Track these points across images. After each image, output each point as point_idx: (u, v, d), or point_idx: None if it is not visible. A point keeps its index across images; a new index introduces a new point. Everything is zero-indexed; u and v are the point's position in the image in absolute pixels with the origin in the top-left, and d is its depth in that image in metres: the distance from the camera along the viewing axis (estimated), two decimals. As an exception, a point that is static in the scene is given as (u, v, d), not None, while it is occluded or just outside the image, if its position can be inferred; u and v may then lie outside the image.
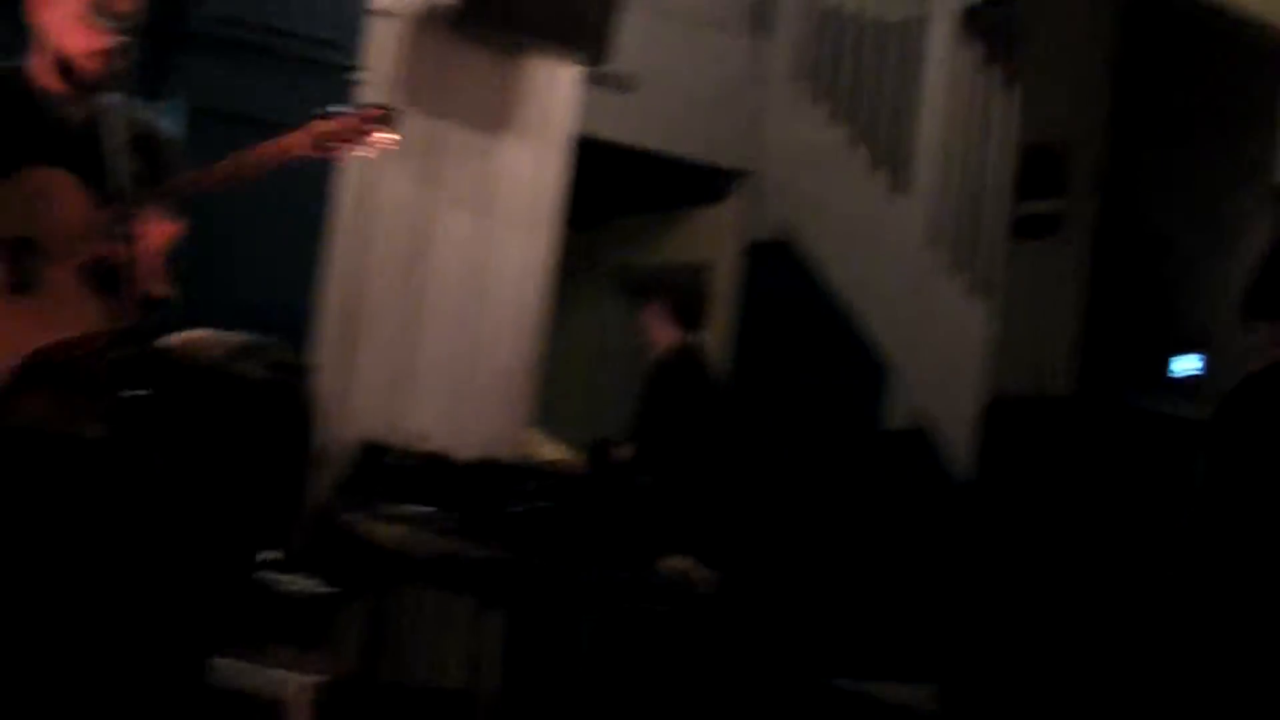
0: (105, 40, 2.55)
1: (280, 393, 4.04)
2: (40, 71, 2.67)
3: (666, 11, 6.78)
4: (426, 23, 5.50)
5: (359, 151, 2.74)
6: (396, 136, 2.75)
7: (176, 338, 4.17)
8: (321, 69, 5.01)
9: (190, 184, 2.60)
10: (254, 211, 4.69)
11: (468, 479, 4.72)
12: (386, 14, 5.35)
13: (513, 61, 5.68)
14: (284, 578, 3.93)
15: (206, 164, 2.62)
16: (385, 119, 2.73)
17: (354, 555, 4.61)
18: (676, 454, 4.80)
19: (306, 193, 4.89)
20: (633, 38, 5.96)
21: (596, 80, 6.05)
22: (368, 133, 2.72)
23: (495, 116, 5.70)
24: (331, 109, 2.71)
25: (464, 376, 5.60)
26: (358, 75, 5.07)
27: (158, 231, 2.53)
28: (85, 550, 2.57)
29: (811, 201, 6.93)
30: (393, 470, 5.01)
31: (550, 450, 5.09)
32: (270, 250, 4.91)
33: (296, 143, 2.67)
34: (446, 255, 5.58)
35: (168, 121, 2.86)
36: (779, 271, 6.97)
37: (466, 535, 4.37)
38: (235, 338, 4.25)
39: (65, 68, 2.62)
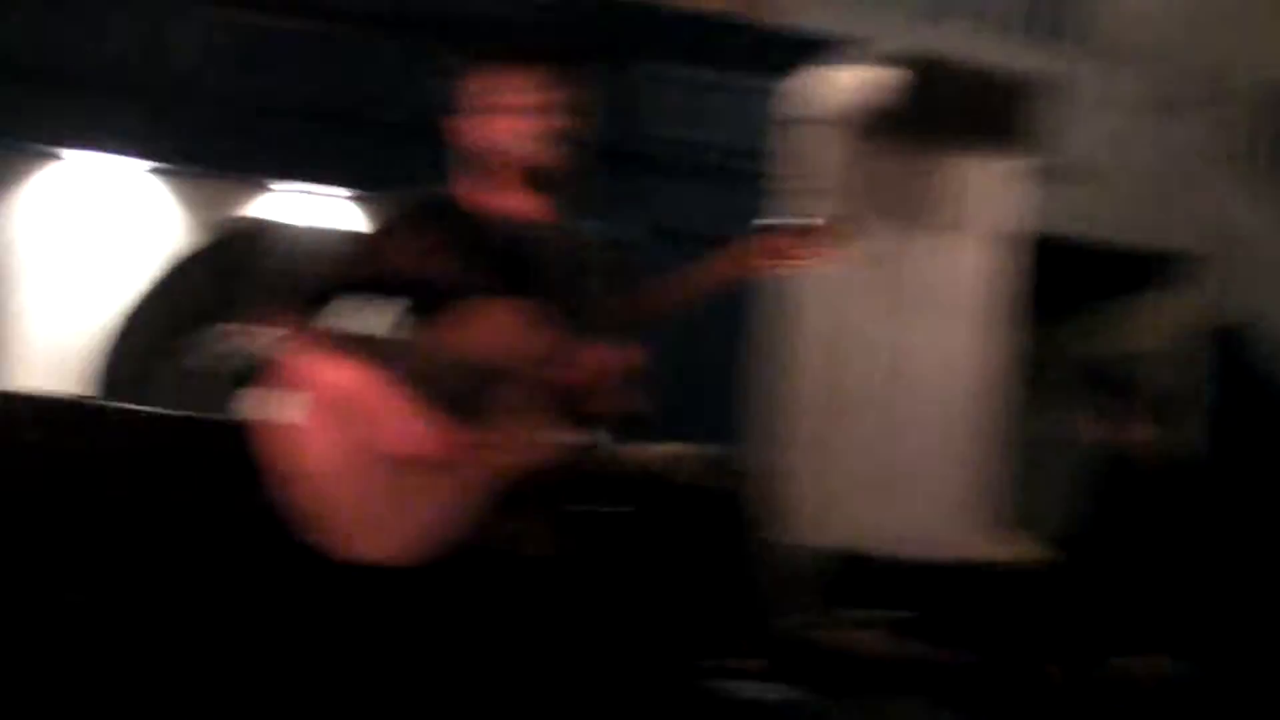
0: (554, 156, 2.57)
1: (732, 500, 4.06)
2: (481, 197, 2.68)
3: (1114, 99, 6.55)
4: (855, 129, 5.53)
5: (805, 266, 2.58)
6: (833, 253, 2.56)
7: (627, 451, 4.25)
8: (748, 181, 5.09)
9: (631, 312, 2.59)
10: (688, 320, 4.78)
11: (918, 579, 4.57)
12: (812, 122, 5.41)
13: (929, 164, 5.66)
14: (757, 687, 3.87)
15: (652, 286, 2.58)
16: (831, 232, 2.57)
17: (821, 664, 4.51)
18: (1146, 545, 4.50)
19: (738, 292, 4.95)
20: (1082, 128, 5.80)
21: (1047, 175, 5.89)
22: (818, 249, 2.56)
23: (932, 218, 5.68)
24: (772, 223, 2.57)
25: (918, 475, 5.53)
26: (786, 186, 5.15)
27: (611, 357, 2.52)
28: (539, 675, 2.60)
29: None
30: (855, 575, 4.94)
31: (1016, 549, 4.88)
32: (706, 354, 5.00)
33: (740, 264, 2.56)
34: (882, 354, 5.58)
35: (618, 243, 2.84)
36: (1247, 356, 6.51)
37: (937, 639, 4.30)
38: (682, 449, 4.31)
39: (516, 173, 2.61)
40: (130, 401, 4.06)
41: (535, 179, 2.60)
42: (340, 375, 2.54)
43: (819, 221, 2.57)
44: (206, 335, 4.73)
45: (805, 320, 5.41)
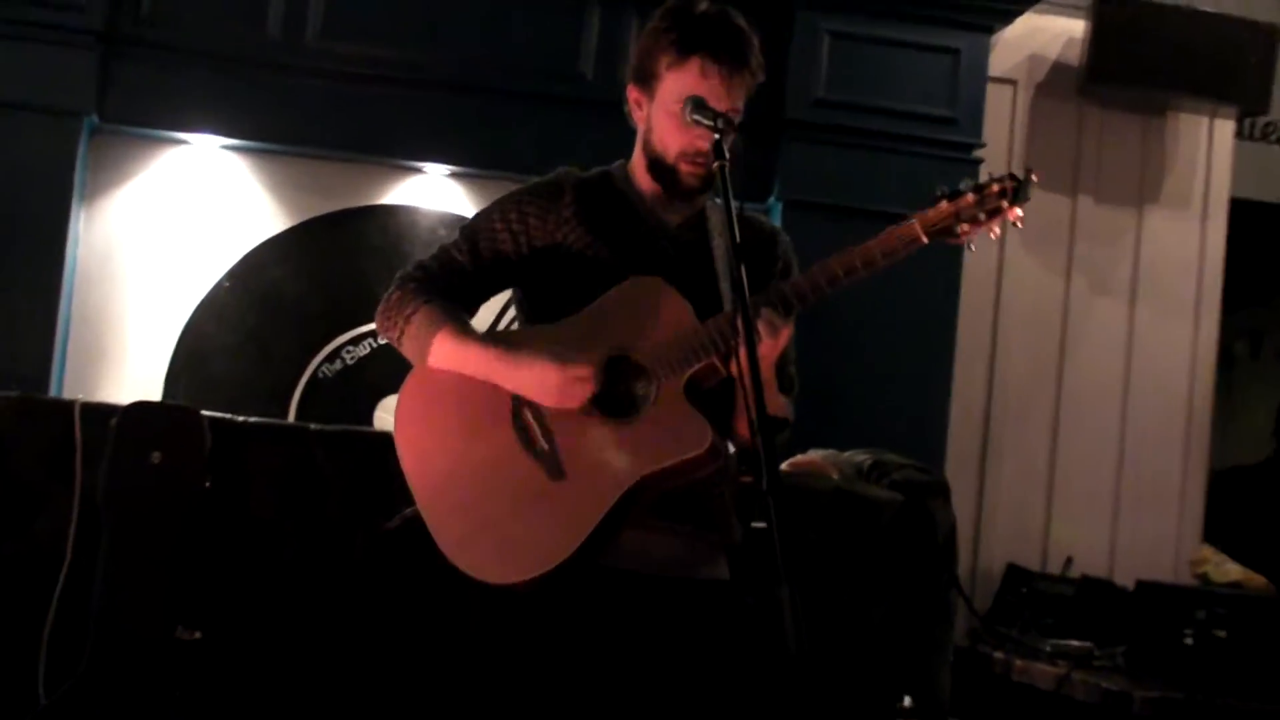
0: (703, 140, 2.45)
1: (911, 515, 3.86)
2: (637, 173, 2.63)
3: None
4: (1051, 88, 5.31)
5: (987, 231, 2.45)
6: (1019, 212, 2.44)
7: (792, 461, 4.12)
8: (932, 149, 4.87)
9: (798, 291, 2.42)
10: (871, 314, 4.60)
11: (1130, 606, 4.31)
12: (1005, 82, 5.21)
13: (1153, 121, 5.38)
14: None
15: (815, 265, 2.43)
16: (1015, 190, 2.43)
17: (1002, 697, 4.34)
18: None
19: (930, 289, 4.73)
20: None
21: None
22: (995, 209, 2.42)
23: (1138, 186, 5.38)
24: (952, 187, 2.44)
25: (1117, 487, 5.30)
26: (975, 155, 4.86)
27: (769, 343, 2.36)
28: (709, 708, 2.43)
29: None
30: (1041, 598, 4.70)
31: (1229, 570, 4.58)
32: (892, 355, 4.79)
33: (914, 231, 2.41)
34: (1090, 349, 5.32)
35: (775, 222, 2.71)
36: None
37: (1132, 672, 4.07)
38: (858, 456, 4.16)
39: (661, 170, 2.55)
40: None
41: (673, 187, 2.56)
42: (459, 366, 2.48)
43: (1003, 179, 2.43)
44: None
45: (1008, 310, 5.24)
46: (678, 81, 2.50)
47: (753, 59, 2.54)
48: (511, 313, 2.98)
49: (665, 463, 2.36)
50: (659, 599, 2.44)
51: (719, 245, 2.56)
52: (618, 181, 2.63)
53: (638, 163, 2.62)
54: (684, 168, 2.51)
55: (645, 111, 2.58)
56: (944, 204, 2.41)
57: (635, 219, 2.59)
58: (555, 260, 2.55)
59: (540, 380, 2.40)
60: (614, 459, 2.38)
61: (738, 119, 2.49)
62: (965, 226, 2.42)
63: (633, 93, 2.60)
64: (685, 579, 2.48)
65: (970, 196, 2.41)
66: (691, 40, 2.50)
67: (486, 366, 2.45)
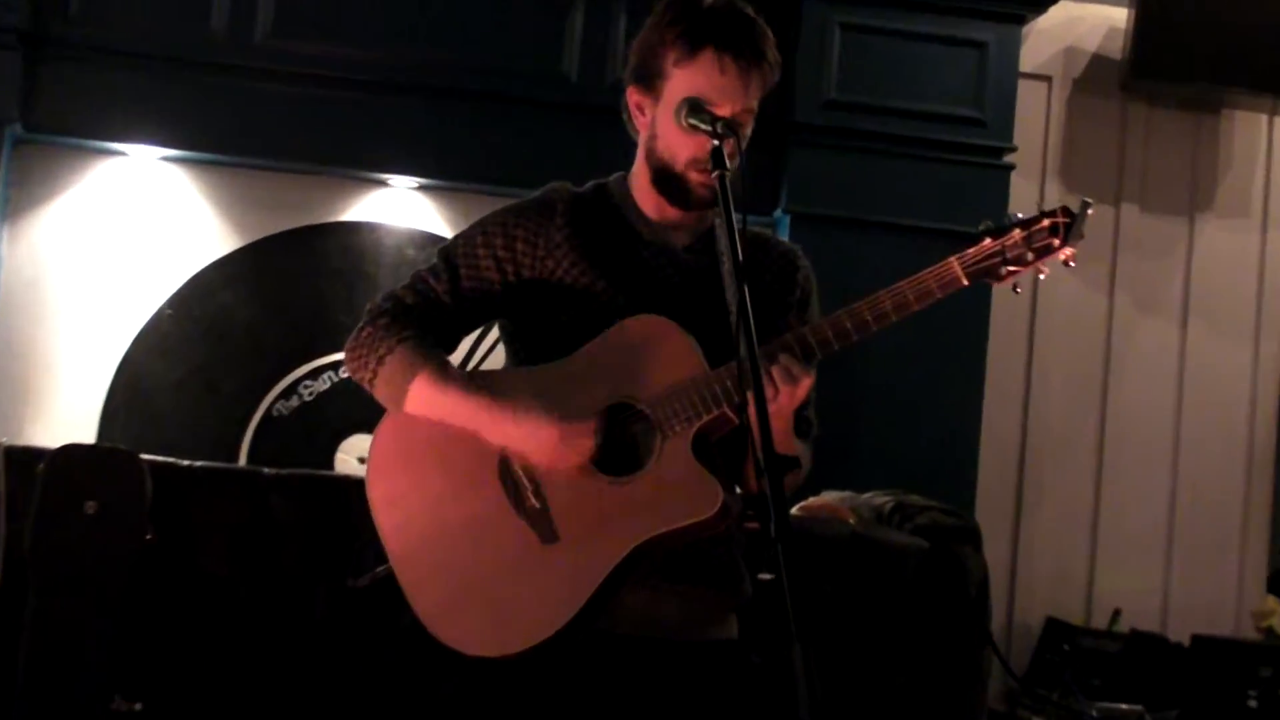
0: (704, 147, 2.44)
1: (938, 563, 3.87)
2: (637, 188, 2.61)
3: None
4: (1090, 84, 5.34)
5: (1034, 272, 2.43)
6: (1071, 252, 2.41)
7: (804, 505, 4.13)
8: (957, 155, 4.90)
9: (821, 338, 2.40)
10: (892, 338, 4.59)
11: (1186, 664, 4.32)
12: (1039, 78, 5.24)
13: (1203, 122, 5.40)
14: None
15: (842, 310, 2.43)
16: (1068, 226, 2.40)
17: None
18: None
19: (957, 309, 4.71)
20: None
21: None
22: (1045, 247, 2.40)
23: (1189, 193, 5.41)
24: (996, 222, 2.42)
25: (1169, 530, 5.30)
26: (1005, 160, 4.88)
27: (787, 391, 2.34)
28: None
29: None
30: (1086, 655, 4.69)
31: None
32: (915, 383, 4.81)
33: (953, 271, 2.39)
34: (1137, 376, 5.33)
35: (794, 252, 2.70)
36: None
37: None
38: (878, 498, 4.17)
39: (668, 181, 2.53)
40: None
41: (681, 198, 2.53)
42: (440, 414, 2.46)
43: (1055, 214, 2.40)
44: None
45: (1045, 333, 5.25)
46: (687, 79, 2.47)
47: (769, 52, 2.51)
48: (487, 343, 2.98)
49: (670, 526, 2.35)
50: (662, 664, 2.44)
51: (729, 270, 2.51)
52: (615, 198, 2.61)
53: (639, 175, 2.59)
54: (694, 177, 2.48)
55: (649, 116, 2.54)
56: (987, 241, 2.41)
57: (637, 242, 2.57)
58: (547, 292, 2.52)
59: (534, 436, 2.38)
60: (613, 520, 2.37)
61: (752, 120, 2.51)
62: (1010, 268, 2.41)
63: (633, 96, 2.57)
64: (690, 642, 2.47)
65: (1018, 233, 2.40)
66: (702, 32, 2.47)
67: (472, 417, 2.43)
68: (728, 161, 2.34)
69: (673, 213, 2.57)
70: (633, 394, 2.42)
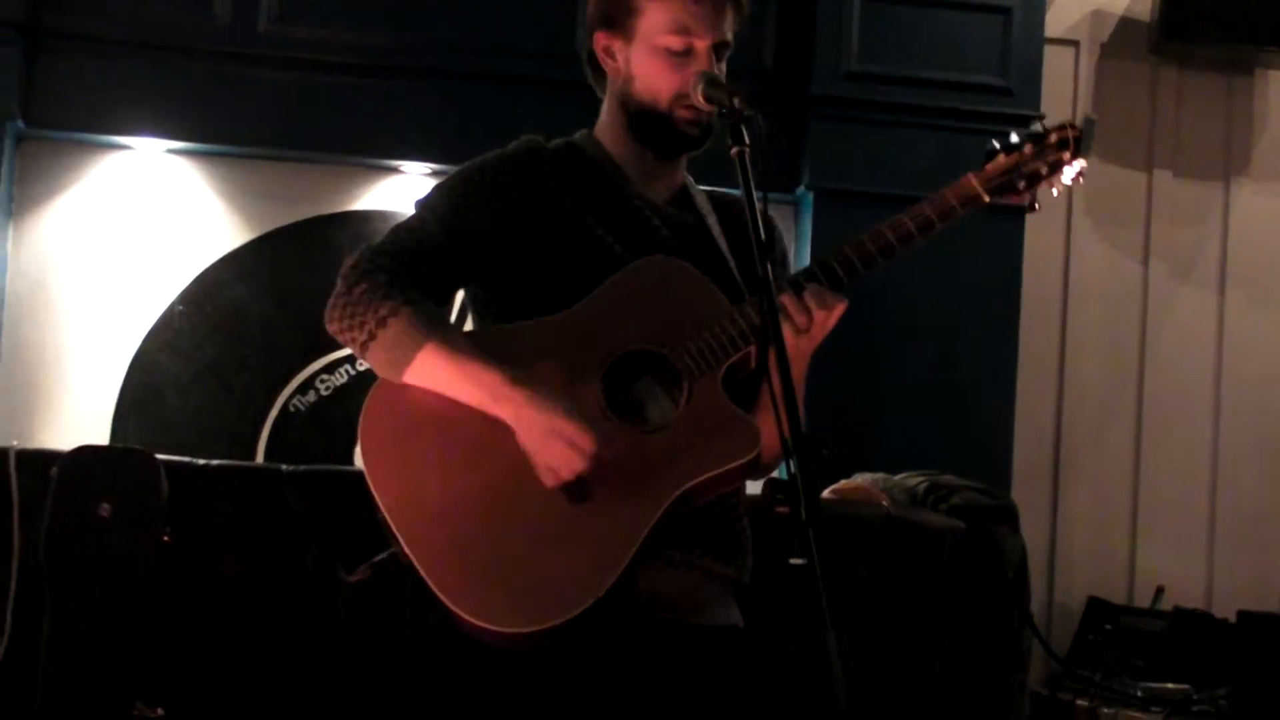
0: (689, 81, 2.44)
1: (975, 544, 3.86)
2: (608, 141, 2.59)
3: None
4: (1119, 47, 5.31)
5: (1049, 188, 2.48)
6: (1083, 165, 2.48)
7: (836, 487, 4.12)
8: (983, 124, 4.80)
9: (846, 262, 2.41)
10: (922, 313, 4.60)
11: (1232, 641, 4.30)
12: (1066, 43, 5.22)
13: (1237, 83, 5.38)
14: None
15: (864, 234, 2.44)
16: (1077, 140, 2.48)
17: None
18: None
19: (988, 282, 4.74)
20: None
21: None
22: (1056, 161, 2.46)
23: (1224, 157, 5.38)
24: (1005, 141, 2.48)
25: (1212, 505, 5.29)
26: (1033, 129, 4.85)
27: (821, 317, 2.35)
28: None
29: None
30: (1129, 635, 4.67)
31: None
32: (946, 360, 4.78)
33: (972, 186, 2.44)
34: (1175, 347, 5.32)
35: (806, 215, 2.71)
36: None
37: (1238, 717, 4.07)
38: (911, 479, 4.16)
39: (650, 123, 2.52)
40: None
41: (665, 140, 2.51)
42: (447, 389, 2.37)
43: (1063, 128, 2.49)
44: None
45: (1078, 304, 5.23)
46: (664, 10, 2.47)
47: None
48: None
49: (713, 471, 2.31)
50: (675, 647, 2.41)
51: (714, 225, 2.55)
52: (590, 153, 2.58)
53: (611, 128, 2.58)
54: (680, 114, 2.48)
55: (621, 59, 2.53)
56: (1001, 157, 2.46)
57: (619, 194, 2.54)
58: (546, 244, 2.48)
59: (538, 428, 2.29)
60: (649, 473, 2.31)
61: (728, 52, 2.50)
62: (1024, 182, 2.46)
63: (601, 40, 2.56)
64: (702, 625, 2.45)
65: (1029, 147, 2.46)
66: None
67: (490, 394, 2.32)
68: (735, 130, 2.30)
69: (650, 166, 2.56)
70: (654, 338, 2.39)
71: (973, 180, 2.45)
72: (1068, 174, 2.48)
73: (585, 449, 2.26)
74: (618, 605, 2.30)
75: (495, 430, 2.33)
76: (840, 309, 2.38)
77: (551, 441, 2.28)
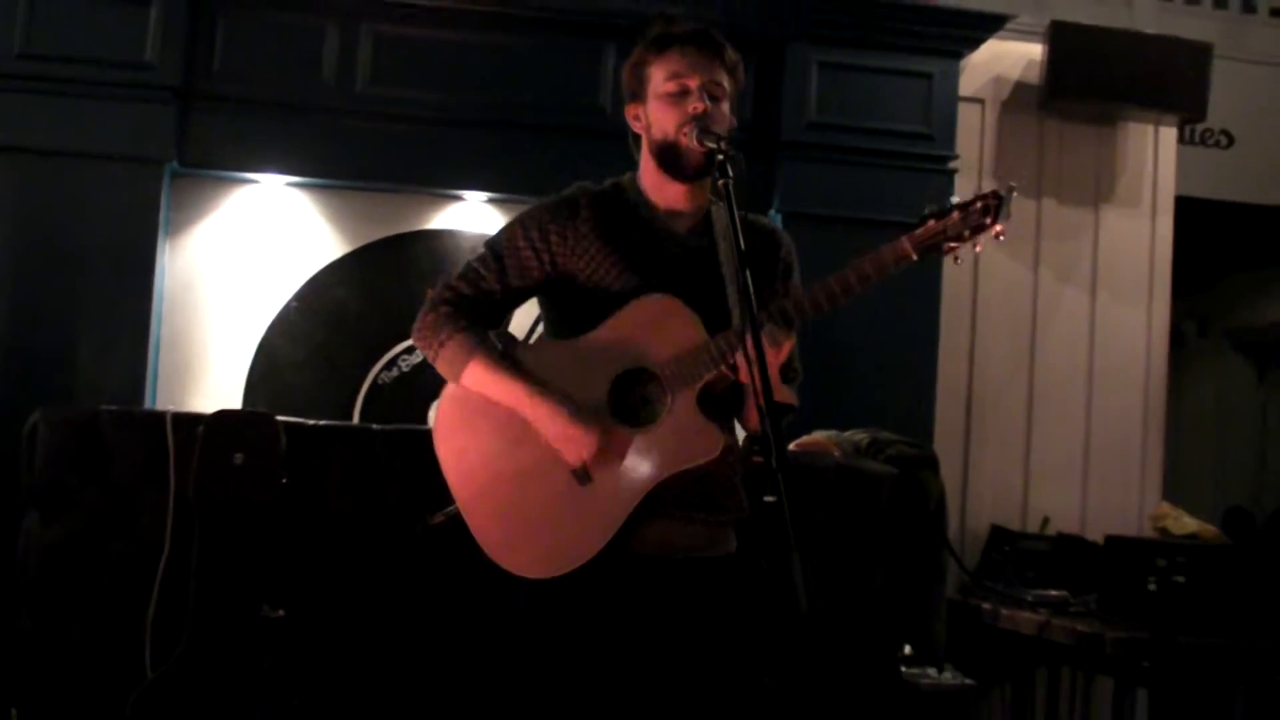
0: (697, 106, 2.42)
1: (906, 486, 3.82)
2: (645, 183, 2.55)
3: (1258, 56, 6.04)
4: (1014, 105, 5.26)
5: (972, 247, 2.37)
6: (1000, 228, 2.36)
7: (798, 441, 4.08)
8: (912, 163, 4.82)
9: (799, 307, 2.38)
10: (865, 310, 4.55)
11: (1100, 559, 4.27)
12: (974, 101, 5.16)
13: (1104, 133, 5.33)
14: (921, 671, 3.68)
15: (815, 284, 2.39)
16: (998, 207, 2.36)
17: (991, 644, 4.30)
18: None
19: (915, 286, 4.69)
20: (1224, 88, 5.38)
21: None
22: (979, 225, 2.35)
23: (1094, 188, 5.33)
24: (939, 205, 2.38)
25: (1086, 455, 5.24)
26: (950, 166, 4.81)
27: (772, 353, 2.30)
28: (720, 665, 2.41)
29: None
30: (1023, 554, 4.65)
31: (1185, 523, 4.52)
32: (884, 345, 4.73)
33: (904, 248, 2.35)
34: (1057, 335, 5.27)
35: (777, 233, 2.65)
36: None
37: (1103, 616, 4.04)
38: (857, 435, 4.12)
39: (668, 154, 2.47)
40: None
41: (679, 165, 2.46)
42: (488, 394, 2.42)
43: (986, 197, 2.36)
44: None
45: (985, 302, 5.18)
46: (661, 68, 2.46)
47: (726, 51, 2.50)
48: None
49: (680, 467, 2.35)
50: (676, 579, 2.42)
51: (724, 249, 2.48)
52: (629, 192, 2.55)
53: (645, 172, 2.54)
54: (684, 139, 2.42)
55: (643, 119, 2.51)
56: (931, 222, 2.35)
57: (647, 228, 2.51)
58: (576, 276, 2.47)
59: (551, 424, 2.36)
60: (636, 465, 2.36)
61: (726, 96, 2.47)
62: (952, 244, 2.35)
63: (630, 110, 2.54)
64: (699, 559, 2.44)
65: (955, 215, 2.35)
66: (668, 38, 2.48)
67: (513, 398, 2.39)
68: (719, 130, 2.38)
69: (676, 197, 2.51)
70: (648, 359, 2.38)
71: (905, 243, 2.35)
72: (987, 235, 2.36)
73: (588, 445, 2.34)
74: (618, 557, 2.35)
75: (527, 426, 2.39)
76: (788, 345, 2.38)
77: (563, 439, 2.35)
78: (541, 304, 2.61)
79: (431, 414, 2.54)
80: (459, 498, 2.42)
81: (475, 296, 2.49)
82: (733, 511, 2.48)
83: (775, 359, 2.32)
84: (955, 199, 2.38)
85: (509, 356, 2.45)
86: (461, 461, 2.42)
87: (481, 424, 2.42)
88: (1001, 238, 2.37)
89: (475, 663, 3.32)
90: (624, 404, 2.39)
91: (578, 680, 2.37)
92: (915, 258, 2.36)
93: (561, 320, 2.53)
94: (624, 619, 2.39)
